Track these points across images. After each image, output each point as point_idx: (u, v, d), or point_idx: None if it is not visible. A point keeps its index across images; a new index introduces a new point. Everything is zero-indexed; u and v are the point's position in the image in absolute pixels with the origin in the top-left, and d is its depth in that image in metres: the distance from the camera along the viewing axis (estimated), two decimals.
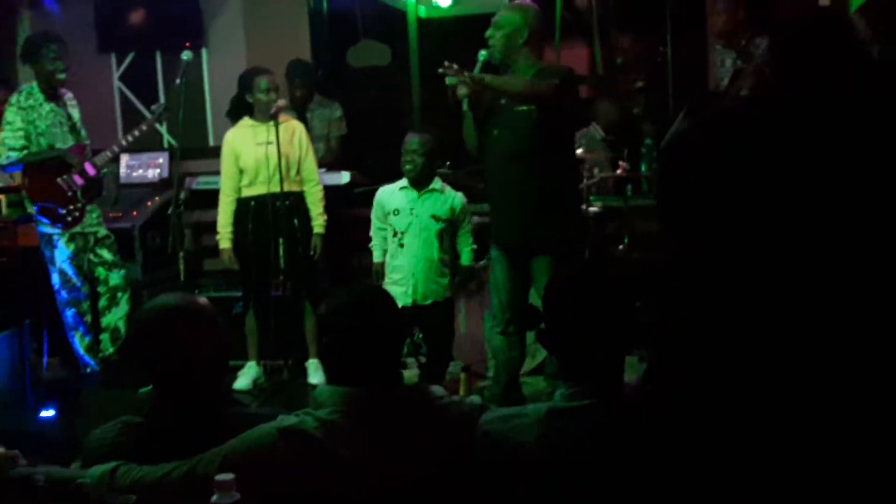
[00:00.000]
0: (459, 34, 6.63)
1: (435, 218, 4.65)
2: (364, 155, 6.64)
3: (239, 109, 5.30)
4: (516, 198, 4.20)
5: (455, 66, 4.01)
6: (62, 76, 5.23)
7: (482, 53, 4.13)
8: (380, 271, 4.78)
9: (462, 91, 4.07)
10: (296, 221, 5.19)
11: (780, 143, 2.23)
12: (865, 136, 2.20)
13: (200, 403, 2.11)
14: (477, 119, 4.24)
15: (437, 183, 4.70)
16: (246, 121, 5.23)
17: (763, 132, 2.27)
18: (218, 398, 2.19)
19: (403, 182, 4.70)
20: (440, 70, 4.04)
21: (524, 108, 4.12)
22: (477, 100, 4.16)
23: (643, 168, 6.34)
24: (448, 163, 5.25)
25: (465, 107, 4.18)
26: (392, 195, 4.72)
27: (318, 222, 5.25)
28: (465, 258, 4.78)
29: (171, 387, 2.11)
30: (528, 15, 4.21)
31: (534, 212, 4.16)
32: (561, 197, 4.24)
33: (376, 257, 4.81)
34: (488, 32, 4.17)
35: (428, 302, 4.67)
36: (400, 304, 4.56)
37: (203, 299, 2.24)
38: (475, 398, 2.21)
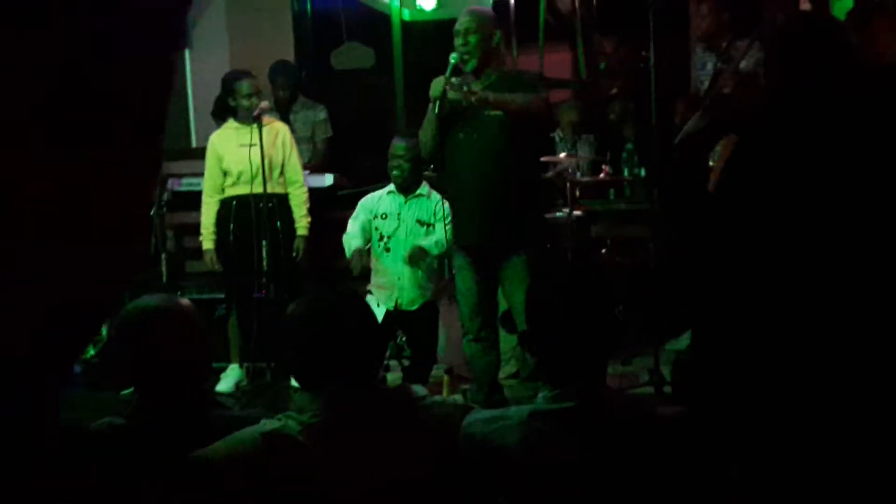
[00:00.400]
0: (443, 37, 6.62)
1: (420, 223, 4.65)
2: (348, 157, 6.63)
3: (224, 109, 5.29)
4: (484, 200, 4.12)
5: (464, 86, 3.94)
6: None
7: (453, 56, 4.08)
8: (361, 254, 4.66)
9: (436, 92, 3.99)
10: (279, 223, 5.17)
11: (791, 142, 2.25)
12: (869, 135, 2.23)
13: (182, 406, 2.10)
14: (440, 122, 4.13)
15: (423, 188, 4.69)
16: (231, 123, 5.23)
17: (776, 133, 2.29)
18: (200, 400, 2.18)
19: (390, 187, 4.69)
20: (448, 84, 3.98)
21: (494, 111, 4.06)
22: (440, 103, 4.06)
23: (625, 172, 6.37)
24: (432, 165, 5.24)
25: (434, 109, 4.05)
26: (380, 200, 4.72)
27: (302, 224, 5.24)
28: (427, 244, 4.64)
29: (152, 389, 2.11)
30: (492, 17, 4.21)
31: (501, 214, 4.10)
32: (528, 199, 4.19)
33: (351, 249, 4.69)
34: (458, 41, 4.08)
35: (414, 307, 4.67)
36: (384, 308, 4.63)
37: (185, 301, 2.23)
38: (458, 397, 2.21)
